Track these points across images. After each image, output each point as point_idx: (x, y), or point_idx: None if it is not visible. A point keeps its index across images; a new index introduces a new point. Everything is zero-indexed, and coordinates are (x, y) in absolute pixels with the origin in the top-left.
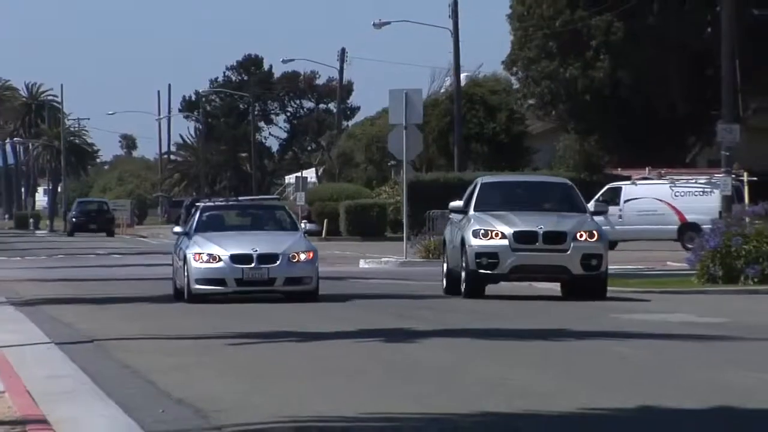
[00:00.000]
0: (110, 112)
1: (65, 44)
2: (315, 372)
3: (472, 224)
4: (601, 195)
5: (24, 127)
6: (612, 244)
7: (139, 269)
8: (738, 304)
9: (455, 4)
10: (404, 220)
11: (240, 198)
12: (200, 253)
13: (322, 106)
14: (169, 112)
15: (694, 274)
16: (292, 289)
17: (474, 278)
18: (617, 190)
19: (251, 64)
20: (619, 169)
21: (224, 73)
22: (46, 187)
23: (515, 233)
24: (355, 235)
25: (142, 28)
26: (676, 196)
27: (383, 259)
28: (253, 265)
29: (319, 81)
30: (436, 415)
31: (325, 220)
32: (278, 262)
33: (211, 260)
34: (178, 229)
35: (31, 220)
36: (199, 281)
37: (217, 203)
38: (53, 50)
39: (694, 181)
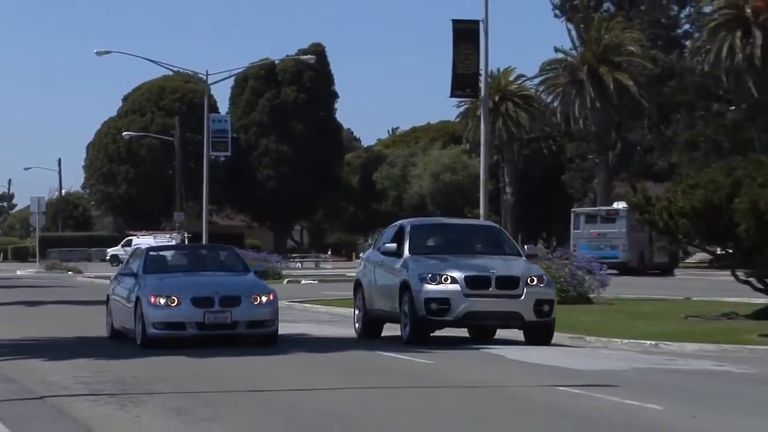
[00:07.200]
0: None
1: None
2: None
3: (415, 268)
4: (124, 241)
5: None
6: None
7: None
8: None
9: (59, 161)
10: (36, 254)
11: None
12: (157, 296)
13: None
14: None
15: None
16: (254, 332)
17: (424, 324)
18: (131, 240)
19: None
20: (132, 231)
21: None
22: None
23: (467, 278)
24: (15, 260)
25: None
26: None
27: (28, 270)
28: (215, 308)
29: None
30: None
31: (0, 254)
32: (241, 305)
33: (170, 303)
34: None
35: None
36: (156, 325)
37: (162, 245)
38: None
39: (164, 236)
